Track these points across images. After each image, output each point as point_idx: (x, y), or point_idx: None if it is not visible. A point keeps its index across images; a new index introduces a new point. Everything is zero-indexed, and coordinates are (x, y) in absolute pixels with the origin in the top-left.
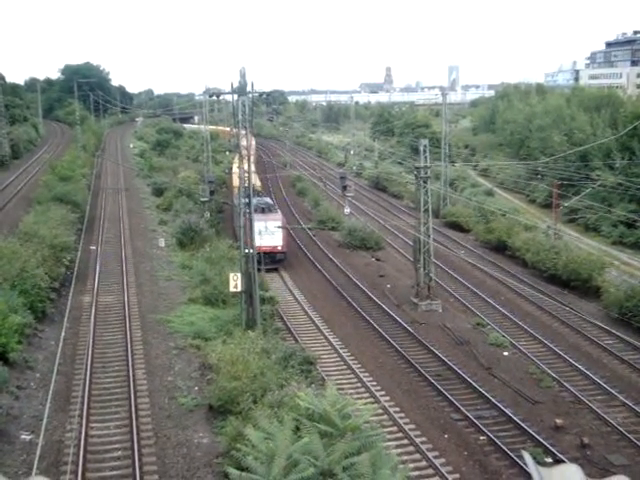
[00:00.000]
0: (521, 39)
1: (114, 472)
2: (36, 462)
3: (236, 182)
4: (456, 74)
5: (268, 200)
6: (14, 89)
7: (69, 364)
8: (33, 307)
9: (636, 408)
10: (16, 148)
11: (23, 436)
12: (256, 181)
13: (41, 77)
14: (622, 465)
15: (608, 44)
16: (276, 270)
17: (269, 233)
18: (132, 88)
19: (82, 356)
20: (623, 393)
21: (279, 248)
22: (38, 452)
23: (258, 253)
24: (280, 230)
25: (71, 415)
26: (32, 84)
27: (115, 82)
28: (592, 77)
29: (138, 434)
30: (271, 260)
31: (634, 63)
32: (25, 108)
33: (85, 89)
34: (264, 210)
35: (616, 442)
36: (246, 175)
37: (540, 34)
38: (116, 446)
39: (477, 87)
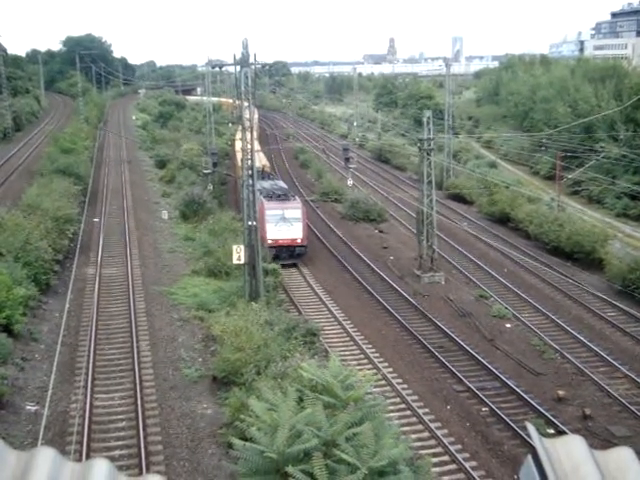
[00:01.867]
0: (526, 10)
1: (119, 442)
2: (41, 433)
3: (240, 159)
4: (460, 45)
5: (283, 184)
6: (16, 61)
7: (73, 335)
8: (37, 279)
9: (638, 380)
10: (18, 120)
11: (28, 407)
12: (265, 161)
13: (43, 49)
14: (624, 436)
15: (613, 14)
16: (295, 266)
17: (287, 224)
18: (134, 60)
19: (86, 327)
20: (625, 365)
21: (299, 241)
22: (43, 423)
23: (275, 247)
24: (300, 220)
25: (76, 386)
26: (34, 56)
27: (117, 54)
28: (597, 48)
29: (142, 405)
30: (289, 255)
31: None
32: (27, 80)
33: (87, 61)
34: (280, 197)
35: (618, 413)
36: (249, 148)
37: (545, 4)
38: (121, 417)
39: (481, 58)
